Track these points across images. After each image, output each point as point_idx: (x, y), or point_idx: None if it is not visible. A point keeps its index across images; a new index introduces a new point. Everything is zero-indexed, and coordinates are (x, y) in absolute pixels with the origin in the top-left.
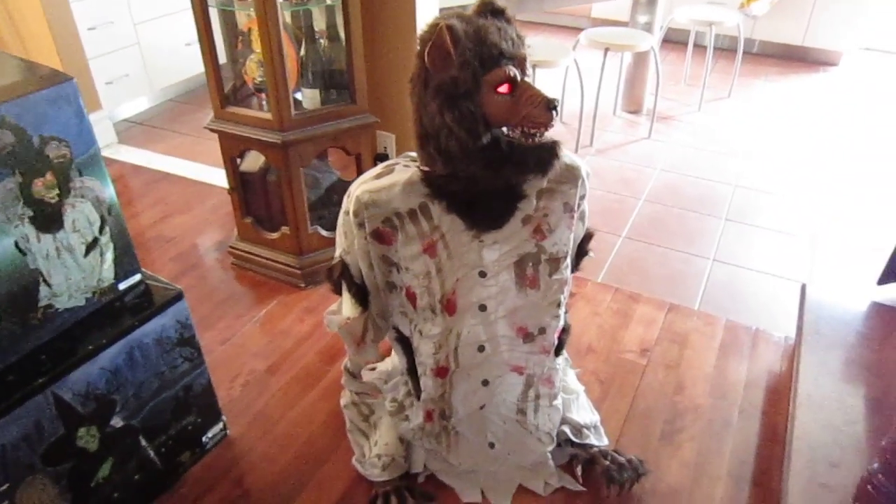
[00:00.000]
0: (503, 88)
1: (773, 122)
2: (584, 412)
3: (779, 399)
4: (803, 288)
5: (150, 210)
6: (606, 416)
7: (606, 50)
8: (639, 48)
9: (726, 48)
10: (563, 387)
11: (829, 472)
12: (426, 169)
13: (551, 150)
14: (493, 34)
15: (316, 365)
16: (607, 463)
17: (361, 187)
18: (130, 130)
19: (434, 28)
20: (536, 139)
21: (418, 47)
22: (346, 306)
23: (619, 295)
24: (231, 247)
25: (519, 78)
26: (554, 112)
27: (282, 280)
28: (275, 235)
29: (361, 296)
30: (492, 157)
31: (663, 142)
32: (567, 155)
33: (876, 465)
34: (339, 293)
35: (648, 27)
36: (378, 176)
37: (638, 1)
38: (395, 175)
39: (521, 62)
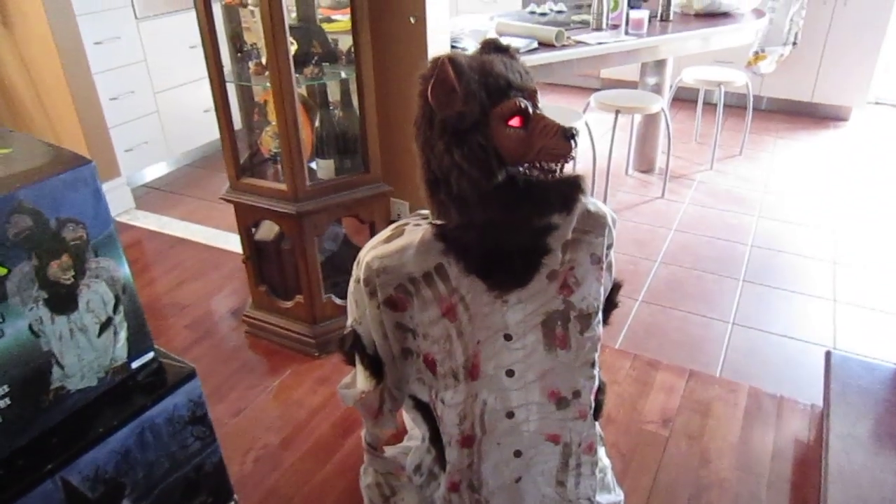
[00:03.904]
0: (514, 122)
1: (786, 179)
2: (607, 493)
3: (808, 471)
4: (828, 355)
5: (166, 276)
6: (629, 491)
7: (617, 112)
8: (649, 110)
9: (735, 105)
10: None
11: None
12: (439, 222)
13: (574, 184)
14: (499, 66)
15: (330, 438)
16: None
17: (371, 253)
18: (148, 196)
19: (435, 63)
20: (556, 174)
21: (420, 86)
22: (361, 379)
23: (637, 362)
24: (245, 315)
25: (531, 110)
26: (573, 142)
27: (296, 349)
28: (289, 304)
29: (375, 367)
30: (509, 198)
31: (677, 201)
32: (592, 202)
33: None
34: (352, 364)
35: (658, 88)
36: (388, 239)
37: (646, 63)
38: (406, 237)
39: (531, 95)
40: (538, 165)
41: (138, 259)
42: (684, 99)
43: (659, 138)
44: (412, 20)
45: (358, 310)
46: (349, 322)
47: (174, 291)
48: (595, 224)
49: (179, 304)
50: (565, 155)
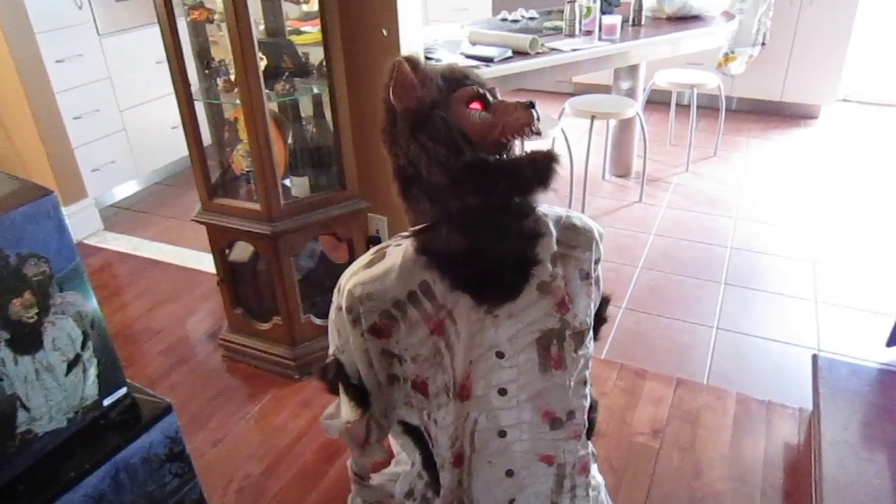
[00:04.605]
0: (475, 105)
1: (760, 179)
2: None
3: (799, 478)
4: (815, 359)
5: (138, 301)
6: None
7: (593, 118)
8: (624, 115)
9: (707, 106)
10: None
11: None
12: (418, 228)
13: (547, 155)
14: (455, 66)
15: (314, 465)
16: None
17: (352, 280)
18: (118, 216)
19: (392, 66)
20: (527, 153)
21: (383, 94)
22: (345, 409)
23: (624, 372)
24: (222, 338)
25: (489, 96)
26: (533, 111)
27: (275, 371)
28: (266, 326)
29: (361, 396)
30: (482, 177)
31: (655, 205)
32: (577, 216)
33: None
34: (335, 393)
35: (631, 92)
36: (369, 264)
37: (619, 68)
38: (387, 260)
39: (490, 91)
40: (506, 141)
41: (108, 283)
42: (657, 101)
43: (634, 142)
44: (385, 33)
45: (340, 338)
46: (331, 351)
47: (147, 316)
48: (582, 239)
49: (153, 329)
50: (528, 123)
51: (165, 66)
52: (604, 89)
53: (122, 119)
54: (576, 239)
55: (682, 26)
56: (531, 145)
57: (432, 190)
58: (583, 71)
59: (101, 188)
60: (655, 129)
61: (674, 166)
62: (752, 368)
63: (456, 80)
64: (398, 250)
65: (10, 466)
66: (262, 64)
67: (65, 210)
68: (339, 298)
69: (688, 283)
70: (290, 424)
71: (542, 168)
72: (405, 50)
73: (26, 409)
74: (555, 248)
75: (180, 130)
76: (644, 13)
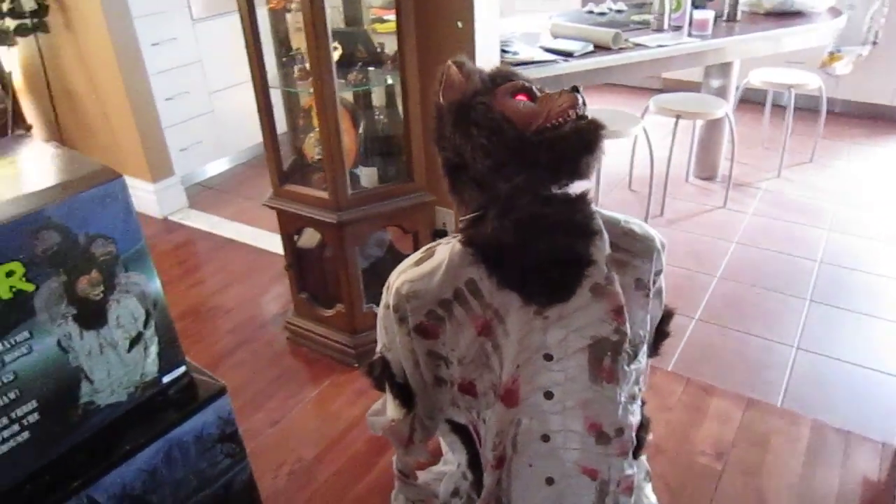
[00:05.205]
0: (521, 97)
1: (862, 189)
2: None
3: None
4: None
5: (213, 278)
6: None
7: (678, 118)
8: (712, 116)
9: (805, 108)
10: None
11: None
12: (465, 219)
13: (592, 122)
14: (504, 66)
15: (365, 455)
16: None
17: (401, 278)
18: (201, 194)
19: (441, 71)
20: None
21: (434, 98)
22: (390, 407)
23: (690, 387)
24: (287, 322)
25: (535, 90)
26: (578, 95)
27: (336, 358)
28: (330, 312)
29: (406, 396)
30: (525, 154)
31: (740, 211)
32: (639, 224)
33: None
34: (381, 390)
35: (723, 91)
36: (418, 262)
37: (711, 66)
38: (436, 257)
39: (539, 88)
40: (551, 127)
41: (188, 259)
42: (751, 101)
43: (722, 143)
44: (459, 25)
45: (387, 336)
46: (378, 348)
47: (220, 294)
48: (642, 247)
49: (224, 307)
50: (573, 105)
51: None
52: (694, 87)
53: (210, 101)
54: (634, 246)
55: (783, 22)
56: None
57: (479, 176)
58: (670, 67)
59: (188, 167)
60: (747, 129)
61: (764, 171)
62: (833, 394)
63: (503, 76)
64: (446, 248)
65: (72, 435)
66: (336, 53)
67: (152, 187)
68: (388, 296)
69: (769, 297)
70: (346, 412)
71: (586, 135)
72: (480, 42)
73: (90, 381)
74: (608, 250)
75: None
76: (740, 8)
